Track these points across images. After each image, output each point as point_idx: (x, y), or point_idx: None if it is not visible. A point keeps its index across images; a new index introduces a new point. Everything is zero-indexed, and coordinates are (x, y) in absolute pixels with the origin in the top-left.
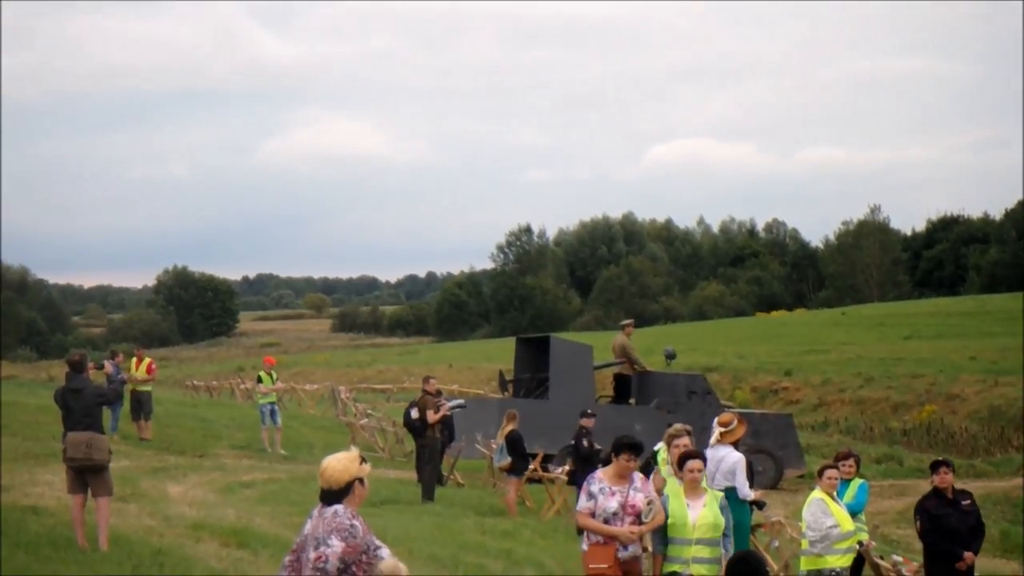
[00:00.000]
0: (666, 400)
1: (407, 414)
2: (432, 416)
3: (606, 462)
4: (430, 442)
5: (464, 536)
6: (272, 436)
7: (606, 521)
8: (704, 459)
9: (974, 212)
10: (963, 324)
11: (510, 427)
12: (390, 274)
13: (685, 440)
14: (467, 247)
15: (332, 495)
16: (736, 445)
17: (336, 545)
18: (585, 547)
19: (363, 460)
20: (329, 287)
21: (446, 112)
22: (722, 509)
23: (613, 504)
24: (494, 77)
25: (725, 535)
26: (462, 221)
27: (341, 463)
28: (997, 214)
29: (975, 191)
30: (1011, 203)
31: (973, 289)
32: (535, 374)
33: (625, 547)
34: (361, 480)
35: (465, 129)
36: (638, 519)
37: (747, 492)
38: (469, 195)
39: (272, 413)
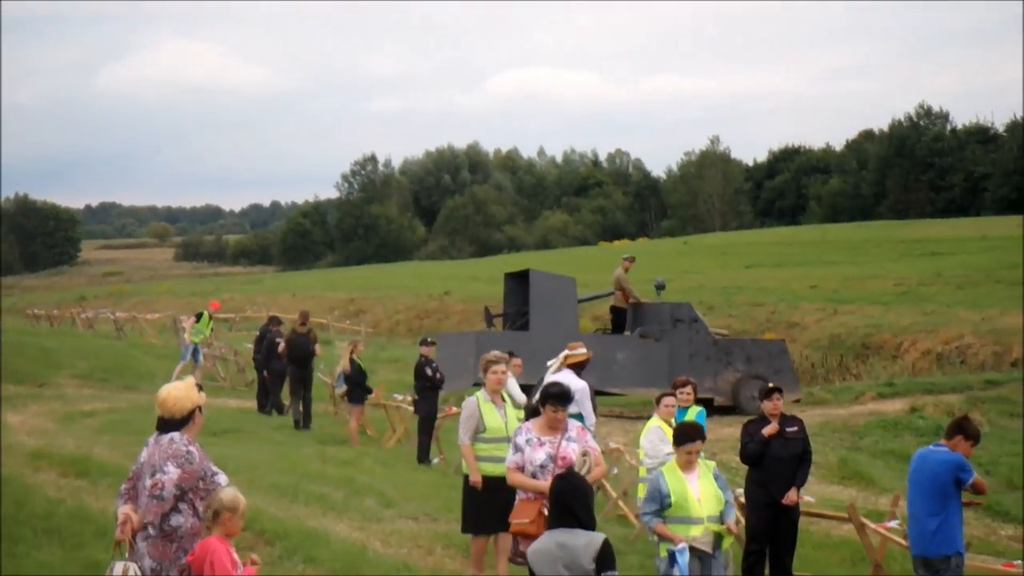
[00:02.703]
0: (651, 328)
1: (305, 344)
2: (317, 348)
3: (534, 413)
4: (310, 374)
5: (305, 465)
6: (187, 370)
7: (533, 475)
8: (703, 437)
9: (815, 143)
10: (804, 253)
11: (352, 355)
12: (234, 203)
13: (503, 367)
14: (312, 176)
15: (171, 424)
16: (579, 372)
17: (172, 472)
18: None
19: (199, 388)
20: (173, 216)
21: (292, 39)
22: (716, 478)
23: (540, 455)
24: (341, 4)
25: (728, 504)
26: (307, 150)
27: (180, 391)
28: (838, 145)
29: (817, 122)
30: (852, 134)
31: (814, 219)
32: (520, 308)
33: None
34: (199, 408)
35: (311, 57)
36: None
37: (593, 419)
38: (314, 124)
39: (195, 352)
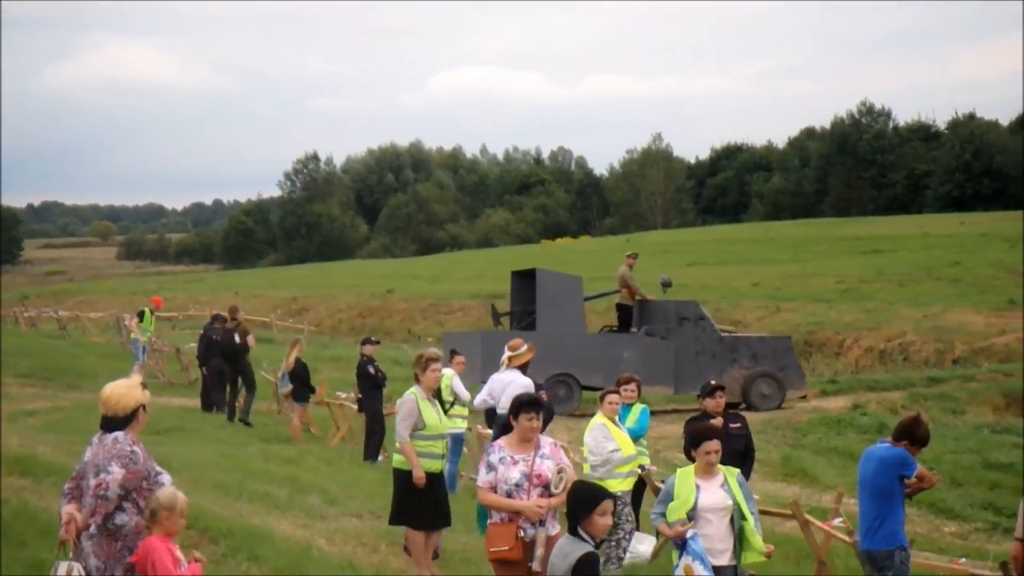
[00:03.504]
0: (657, 327)
1: (231, 340)
2: (251, 340)
3: (506, 429)
4: (247, 368)
5: (249, 463)
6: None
7: (508, 494)
8: (722, 438)
9: (758, 141)
10: (746, 251)
11: (295, 354)
12: (177, 202)
13: (438, 365)
14: (255, 175)
15: (114, 422)
16: (524, 370)
17: (116, 472)
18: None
19: (144, 386)
20: (115, 215)
21: (233, 38)
22: (740, 486)
23: (515, 474)
24: (280, 4)
25: (754, 516)
26: (250, 149)
27: (123, 389)
28: (780, 143)
29: (759, 120)
30: (794, 132)
31: (756, 216)
32: (527, 307)
33: (533, 524)
34: (143, 407)
35: (253, 56)
36: (547, 491)
37: None
38: (257, 122)
39: (144, 350)
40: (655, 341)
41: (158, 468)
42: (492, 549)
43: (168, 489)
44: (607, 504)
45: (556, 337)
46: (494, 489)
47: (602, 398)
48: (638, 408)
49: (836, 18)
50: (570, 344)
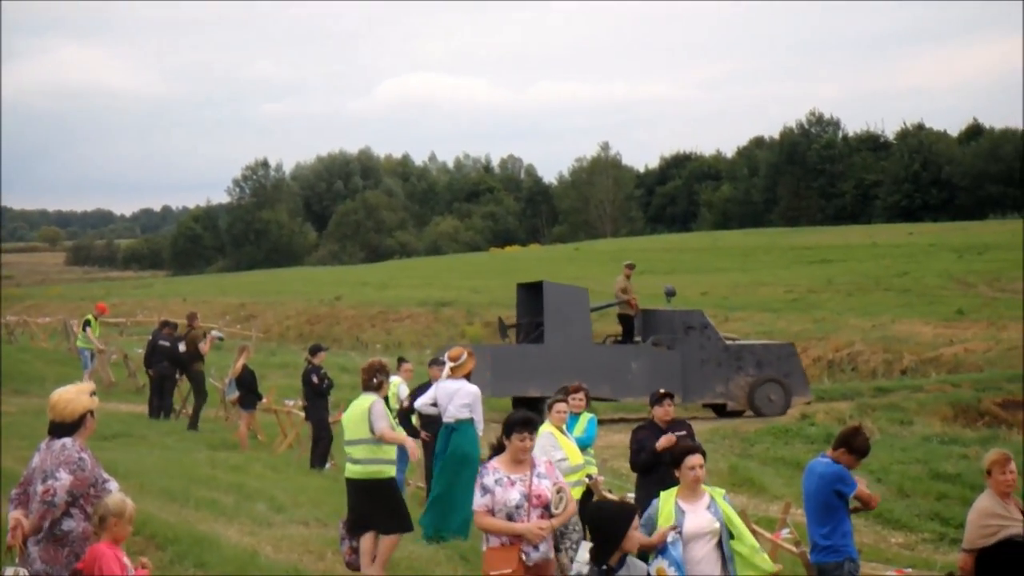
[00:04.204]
0: (664, 336)
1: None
2: (204, 347)
3: (499, 449)
4: (197, 375)
5: (196, 470)
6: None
7: (509, 517)
8: (704, 453)
9: (707, 150)
10: (695, 260)
11: (242, 361)
12: (125, 207)
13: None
14: (204, 181)
15: (62, 428)
16: (468, 378)
17: (64, 478)
18: (484, 549)
19: (93, 393)
20: (64, 220)
21: (181, 43)
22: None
23: (515, 495)
24: (226, 8)
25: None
26: (199, 154)
27: (71, 395)
28: (729, 152)
29: (708, 129)
30: (743, 141)
31: (705, 225)
32: (534, 319)
33: (536, 547)
34: (91, 413)
35: (200, 61)
36: (547, 511)
37: (482, 425)
38: (205, 128)
39: (92, 357)
40: (662, 351)
41: (106, 475)
42: (493, 573)
43: (117, 496)
44: (638, 518)
45: (564, 348)
46: (491, 512)
47: (550, 407)
48: (586, 417)
49: (783, 26)
50: (578, 355)
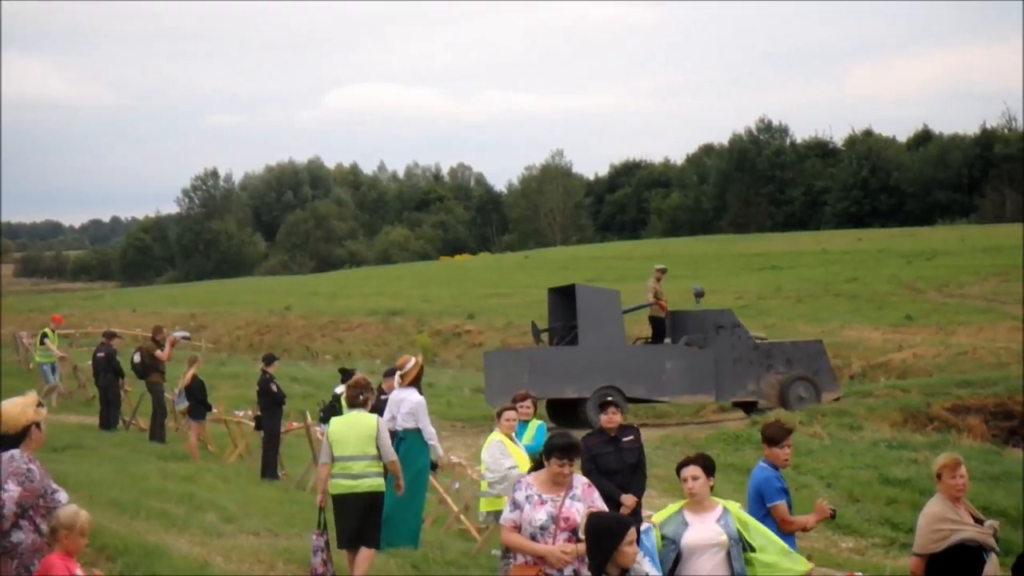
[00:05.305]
0: (696, 336)
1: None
2: (161, 353)
3: (540, 465)
4: (154, 387)
5: (146, 481)
6: (53, 390)
7: (532, 536)
8: (703, 466)
9: (656, 157)
10: (645, 267)
11: (192, 371)
12: (74, 219)
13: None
14: (153, 192)
15: (8, 440)
16: (417, 386)
17: (13, 489)
18: (506, 565)
19: (40, 404)
20: (12, 232)
21: (126, 54)
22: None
23: (541, 515)
24: (173, 19)
25: (744, 547)
26: (147, 165)
27: (17, 408)
28: (679, 159)
29: (657, 137)
30: (692, 148)
31: (655, 233)
32: (567, 322)
33: (560, 570)
34: (38, 424)
35: (146, 72)
36: (574, 535)
37: (432, 432)
38: (153, 139)
39: (53, 370)
40: (695, 351)
41: (55, 486)
42: None
43: (70, 507)
44: (633, 532)
45: (599, 351)
46: (518, 528)
47: (499, 415)
48: (534, 424)
49: (731, 35)
50: (613, 357)
